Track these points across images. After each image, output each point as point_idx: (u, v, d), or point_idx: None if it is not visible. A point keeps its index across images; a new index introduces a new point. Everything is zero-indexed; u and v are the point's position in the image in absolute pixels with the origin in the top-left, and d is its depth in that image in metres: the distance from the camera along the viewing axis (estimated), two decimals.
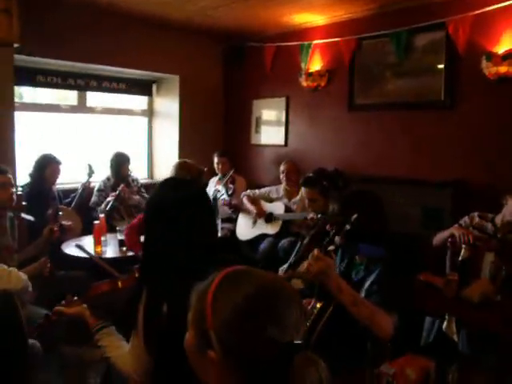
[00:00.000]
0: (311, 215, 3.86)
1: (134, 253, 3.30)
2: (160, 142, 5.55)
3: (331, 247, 1.92)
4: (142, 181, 5.01)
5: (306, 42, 4.69)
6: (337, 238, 1.91)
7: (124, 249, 3.56)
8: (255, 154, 5.38)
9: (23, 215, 3.42)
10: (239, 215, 4.65)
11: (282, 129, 5.11)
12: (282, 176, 4.44)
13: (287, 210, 4.32)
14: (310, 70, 4.64)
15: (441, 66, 3.89)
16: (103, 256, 3.48)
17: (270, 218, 4.34)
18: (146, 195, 4.83)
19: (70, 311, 1.80)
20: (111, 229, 4.49)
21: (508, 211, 3.02)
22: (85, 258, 3.35)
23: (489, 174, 3.66)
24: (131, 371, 1.60)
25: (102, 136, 5.24)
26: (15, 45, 3.63)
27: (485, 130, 3.72)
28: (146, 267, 1.67)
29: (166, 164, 5.42)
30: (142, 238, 3.39)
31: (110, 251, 3.59)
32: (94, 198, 4.58)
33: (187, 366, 1.10)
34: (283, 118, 5.09)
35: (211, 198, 4.80)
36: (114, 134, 5.34)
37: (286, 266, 2.75)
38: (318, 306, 2.12)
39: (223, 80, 5.65)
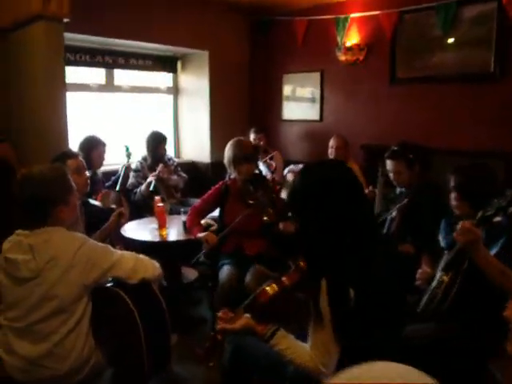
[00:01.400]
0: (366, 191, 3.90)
1: (191, 235, 3.24)
2: (186, 120, 5.44)
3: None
4: None
5: (342, 16, 4.64)
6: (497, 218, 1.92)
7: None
8: (286, 129, 5.33)
9: (91, 201, 3.30)
10: (282, 192, 4.62)
11: (317, 104, 5.07)
12: (330, 151, 4.40)
13: None
14: (347, 44, 4.59)
15: (491, 38, 3.90)
16: (168, 239, 3.41)
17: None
18: (183, 175, 4.75)
19: (236, 326, 1.72)
20: (151, 211, 4.43)
21: None
22: (147, 242, 3.31)
23: None
24: (320, 367, 1.56)
25: (130, 115, 5.08)
26: (65, 20, 3.48)
27: None
28: (319, 256, 1.61)
29: (193, 142, 5.35)
30: (203, 221, 3.42)
31: (174, 234, 3.51)
32: (131, 180, 4.46)
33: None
34: (318, 93, 5.04)
35: None
36: (141, 113, 5.19)
37: None
38: (446, 278, 2.17)
39: (251, 55, 5.55)
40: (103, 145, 4.09)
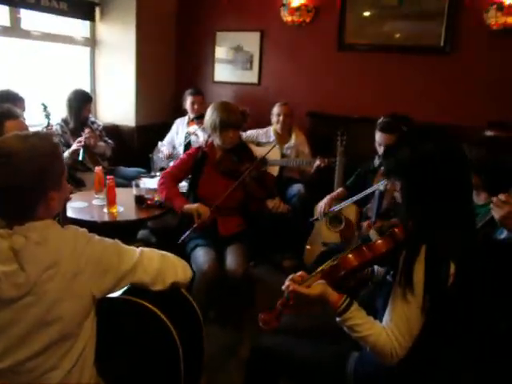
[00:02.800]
0: (318, 162, 3.74)
1: (174, 208, 2.81)
2: (106, 78, 4.73)
3: None
4: None
5: None
6: None
7: (143, 206, 3.03)
8: (219, 92, 4.89)
9: None
10: None
11: (255, 66, 4.72)
12: (275, 118, 4.12)
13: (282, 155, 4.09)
14: (294, 4, 4.29)
15: (442, 12, 3.90)
16: (122, 219, 2.92)
17: (264, 163, 4.06)
18: (109, 141, 4.16)
19: (312, 292, 1.48)
20: (78, 183, 3.84)
21: None
22: (96, 223, 2.80)
23: (477, 118, 3.86)
24: (396, 348, 1.39)
25: (41, 69, 4.27)
26: None
27: (482, 79, 3.90)
28: (426, 223, 1.45)
29: (114, 104, 4.72)
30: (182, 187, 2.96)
31: (129, 212, 3.01)
32: None
33: None
34: (257, 54, 4.68)
35: (183, 142, 4.33)
36: (54, 67, 4.39)
37: (373, 216, 2.64)
38: None
39: (179, 5, 4.96)
40: (22, 101, 3.38)
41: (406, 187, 1.49)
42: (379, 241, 1.49)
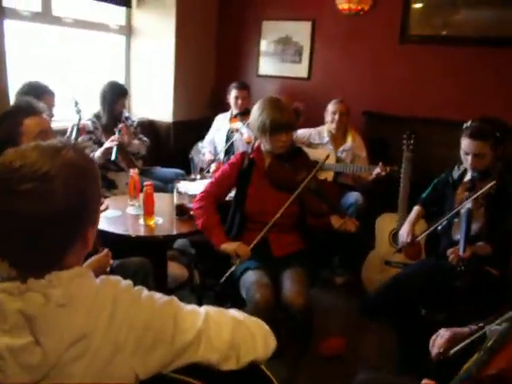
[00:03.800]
0: (378, 170, 3.31)
1: (210, 241, 2.39)
2: (142, 69, 4.36)
3: None
4: None
5: None
6: None
7: (185, 217, 2.64)
8: (264, 87, 4.47)
9: None
10: None
11: (305, 59, 4.28)
12: (330, 117, 3.68)
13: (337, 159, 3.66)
14: None
15: None
16: (160, 233, 2.53)
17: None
18: (144, 138, 3.80)
19: None
20: (110, 185, 3.50)
21: None
22: (131, 238, 2.43)
23: None
24: None
25: (73, 59, 3.93)
26: None
27: None
28: None
29: (150, 97, 4.36)
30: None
31: (168, 224, 2.62)
32: (81, 144, 3.43)
33: None
34: (307, 46, 4.25)
35: (225, 142, 3.93)
36: (87, 57, 4.04)
37: (462, 241, 2.18)
38: None
39: None
40: (52, 95, 3.03)
41: None
42: None
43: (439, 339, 1.48)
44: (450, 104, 3.72)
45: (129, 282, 1.08)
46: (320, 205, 2.34)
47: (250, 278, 2.25)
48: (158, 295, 1.09)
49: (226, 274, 2.26)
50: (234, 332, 1.11)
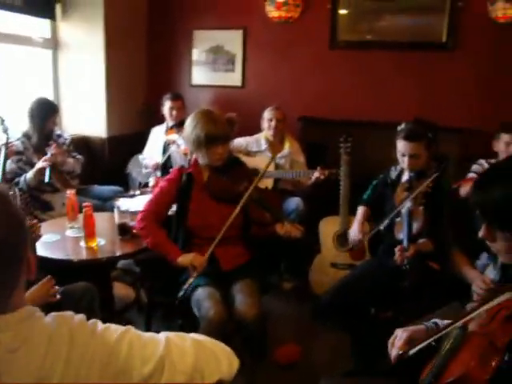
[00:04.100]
0: (317, 174, 3.37)
1: (167, 258, 2.34)
2: (71, 84, 4.18)
3: None
4: None
5: None
6: None
7: (128, 236, 2.55)
8: (198, 97, 4.43)
9: None
10: None
11: (238, 67, 4.30)
12: (266, 124, 3.70)
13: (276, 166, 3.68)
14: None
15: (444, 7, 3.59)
16: (103, 256, 2.43)
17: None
18: (78, 156, 3.65)
19: None
20: (45, 207, 3.34)
21: (501, 147, 3.04)
22: (72, 262, 2.32)
23: (489, 120, 3.58)
24: None
25: None
26: None
27: (490, 77, 3.62)
28: None
29: (82, 112, 4.20)
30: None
31: (111, 246, 2.52)
32: (11, 166, 3.25)
33: None
34: (240, 55, 4.26)
35: (161, 151, 3.86)
36: (9, 72, 3.83)
37: (405, 241, 2.26)
38: None
39: (150, 2, 4.47)
40: None
41: None
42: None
43: (398, 341, 1.50)
44: (379, 106, 3.87)
45: (82, 317, 1.02)
46: (263, 214, 2.35)
47: (202, 295, 2.21)
48: (113, 327, 1.04)
49: (185, 287, 2.23)
50: (196, 354, 1.08)
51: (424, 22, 3.69)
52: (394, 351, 1.55)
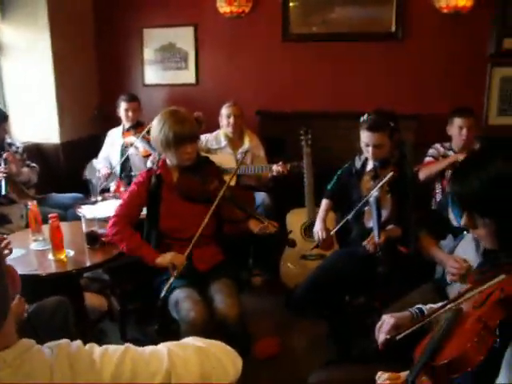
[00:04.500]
0: (276, 167, 3.40)
1: (144, 260, 2.31)
2: (17, 88, 4.00)
3: None
4: None
5: None
6: None
7: (97, 245, 2.48)
8: (152, 96, 4.35)
9: None
10: None
11: (191, 65, 4.24)
12: (225, 121, 3.68)
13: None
14: None
15: None
16: (73, 268, 2.35)
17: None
18: (33, 164, 3.51)
19: None
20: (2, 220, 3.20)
21: (455, 131, 3.20)
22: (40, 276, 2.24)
23: (438, 105, 3.72)
24: None
25: None
26: None
27: (436, 62, 3.75)
28: None
29: (30, 119, 4.05)
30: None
31: (81, 256, 2.43)
32: None
33: None
34: (192, 52, 4.21)
35: (119, 154, 3.78)
36: None
37: (375, 229, 2.32)
38: None
39: (95, 1, 4.33)
40: None
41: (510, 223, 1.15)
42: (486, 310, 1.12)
43: (385, 326, 1.55)
44: (334, 97, 3.94)
45: (79, 344, 0.98)
46: (235, 211, 2.35)
47: (180, 297, 2.19)
48: (111, 348, 1.01)
49: (166, 287, 2.18)
50: (201, 362, 1.06)
51: (373, 12, 3.78)
52: (381, 336, 1.59)
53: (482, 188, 1.17)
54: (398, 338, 1.45)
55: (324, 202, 2.88)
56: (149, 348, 1.07)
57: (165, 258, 2.24)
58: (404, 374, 1.23)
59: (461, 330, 1.14)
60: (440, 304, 1.38)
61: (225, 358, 1.12)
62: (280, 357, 2.70)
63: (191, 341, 1.16)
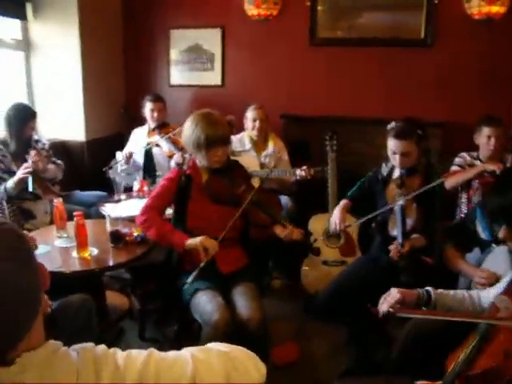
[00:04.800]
0: (300, 171, 3.37)
1: (173, 247, 2.35)
2: (45, 87, 4.06)
3: None
4: None
5: None
6: None
7: (121, 245, 2.49)
8: (177, 97, 4.38)
9: None
10: None
11: (217, 66, 4.26)
12: (250, 124, 3.68)
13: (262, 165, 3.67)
14: None
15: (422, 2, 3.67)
16: (97, 266, 2.37)
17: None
18: (58, 161, 3.55)
19: None
20: (27, 216, 3.24)
21: (482, 140, 3.13)
22: (65, 274, 2.26)
23: (466, 113, 3.66)
24: None
25: None
26: None
27: (465, 70, 3.70)
28: None
29: (58, 116, 4.10)
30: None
31: (105, 255, 2.44)
32: None
33: None
34: (219, 53, 4.22)
35: (143, 153, 3.79)
36: None
37: (399, 237, 2.29)
38: None
39: (124, 2, 4.37)
40: None
41: None
42: None
43: (390, 298, 1.60)
44: (360, 103, 3.91)
45: (103, 348, 0.99)
46: (262, 216, 2.35)
47: (203, 299, 2.19)
48: (134, 352, 1.01)
49: (195, 273, 2.17)
50: (225, 368, 1.05)
51: (402, 18, 3.74)
52: (384, 306, 1.64)
53: None
54: (398, 314, 1.51)
55: (343, 202, 2.80)
56: (172, 353, 1.06)
57: (195, 240, 2.22)
58: None
59: (495, 342, 1.13)
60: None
61: (248, 363, 1.11)
62: (299, 363, 2.68)
63: (214, 345, 1.15)
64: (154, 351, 1.02)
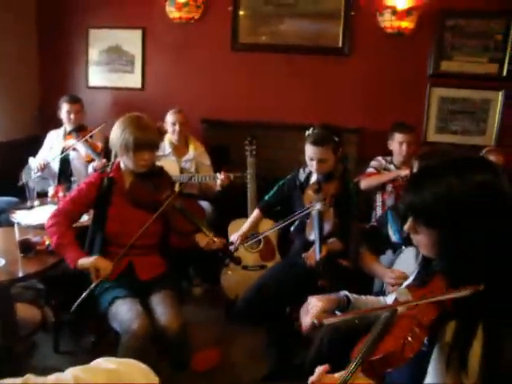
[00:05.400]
0: (222, 177, 3.38)
1: (65, 259, 2.23)
2: None
3: None
4: None
5: None
6: None
7: (31, 254, 2.35)
8: (96, 99, 4.23)
9: None
10: None
11: (137, 69, 4.17)
12: (170, 128, 3.62)
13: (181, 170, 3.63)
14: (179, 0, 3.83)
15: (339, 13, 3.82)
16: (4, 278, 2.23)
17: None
18: None
19: None
20: None
21: (395, 146, 3.33)
22: None
23: (380, 120, 3.84)
24: None
25: None
26: None
27: (379, 79, 3.89)
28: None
29: None
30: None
31: (13, 266, 2.26)
32: None
33: None
34: (139, 56, 4.14)
35: (59, 158, 3.64)
36: None
37: (317, 242, 2.35)
38: None
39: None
40: None
41: (451, 237, 1.19)
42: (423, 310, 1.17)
43: (314, 309, 1.53)
44: (280, 108, 4.00)
45: None
46: (185, 223, 2.32)
47: (123, 308, 2.13)
48: (7, 382, 0.95)
49: (82, 296, 2.08)
50: (107, 376, 1.03)
51: (322, 27, 3.87)
52: (307, 319, 1.56)
53: (433, 199, 1.20)
54: (325, 323, 1.45)
55: (255, 213, 2.89)
56: (52, 377, 1.00)
57: (87, 261, 2.15)
58: (339, 374, 1.24)
59: (396, 327, 1.20)
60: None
61: (138, 376, 1.09)
62: (219, 368, 2.67)
63: (102, 362, 1.10)
64: (30, 377, 0.96)
